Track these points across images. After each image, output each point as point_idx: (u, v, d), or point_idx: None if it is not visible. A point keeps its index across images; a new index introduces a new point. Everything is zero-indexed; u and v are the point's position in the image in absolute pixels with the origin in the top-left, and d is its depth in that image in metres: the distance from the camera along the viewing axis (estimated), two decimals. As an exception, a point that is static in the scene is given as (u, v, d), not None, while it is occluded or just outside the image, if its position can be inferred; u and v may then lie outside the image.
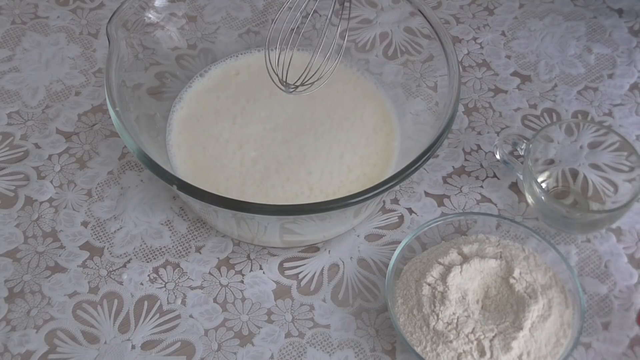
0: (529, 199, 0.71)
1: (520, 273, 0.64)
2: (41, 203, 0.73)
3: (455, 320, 0.62)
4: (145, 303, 0.67)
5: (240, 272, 0.69)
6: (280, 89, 0.67)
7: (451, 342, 0.61)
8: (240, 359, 0.65)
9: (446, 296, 0.63)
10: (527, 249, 0.67)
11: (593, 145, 0.73)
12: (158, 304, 0.67)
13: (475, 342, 0.61)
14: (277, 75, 0.67)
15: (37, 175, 0.74)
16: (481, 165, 0.76)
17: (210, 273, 0.69)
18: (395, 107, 0.74)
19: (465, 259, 0.65)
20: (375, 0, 0.75)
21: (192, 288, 0.68)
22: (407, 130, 0.74)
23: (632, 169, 0.71)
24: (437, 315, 0.62)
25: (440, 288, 0.63)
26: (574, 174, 0.74)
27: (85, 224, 0.72)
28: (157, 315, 0.67)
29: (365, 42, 0.77)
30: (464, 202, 0.73)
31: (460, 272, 0.64)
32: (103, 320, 0.66)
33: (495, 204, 0.74)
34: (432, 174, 0.75)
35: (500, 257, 0.66)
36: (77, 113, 0.79)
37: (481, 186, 0.75)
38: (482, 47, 0.85)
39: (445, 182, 0.75)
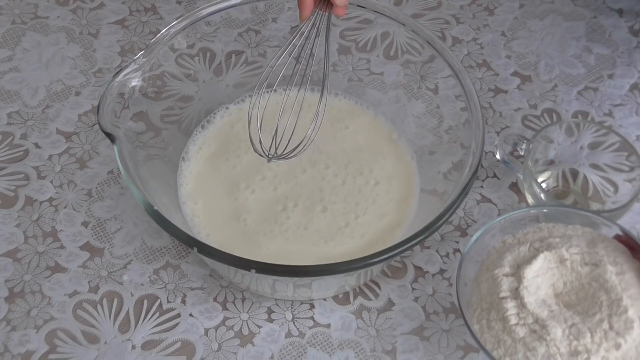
0: (529, 199, 0.71)
1: (566, 250, 0.61)
2: (41, 203, 0.73)
3: (568, 334, 0.57)
4: (145, 302, 0.67)
5: (240, 272, 0.69)
6: (261, 156, 0.66)
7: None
8: (241, 359, 0.65)
9: (545, 324, 0.57)
10: (542, 226, 0.64)
11: (593, 146, 0.73)
12: (158, 302, 0.67)
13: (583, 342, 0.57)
14: (260, 144, 0.65)
15: (37, 175, 0.74)
16: (481, 165, 0.76)
17: (210, 275, 0.69)
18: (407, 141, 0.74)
19: (516, 275, 0.60)
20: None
21: (192, 289, 0.68)
22: (410, 134, 0.74)
23: (632, 169, 0.71)
24: (545, 340, 0.57)
25: (525, 316, 0.58)
26: (574, 174, 0.74)
27: (85, 224, 0.72)
28: (157, 314, 0.67)
29: (365, 41, 0.77)
30: (464, 203, 0.73)
31: (526, 288, 0.59)
32: (103, 320, 0.66)
33: (495, 204, 0.74)
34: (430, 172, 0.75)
35: (537, 250, 0.61)
36: (77, 113, 0.79)
37: (481, 186, 0.75)
38: (482, 47, 0.85)
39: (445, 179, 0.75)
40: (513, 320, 0.58)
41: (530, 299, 0.58)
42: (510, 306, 0.59)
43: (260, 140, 0.65)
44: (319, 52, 0.65)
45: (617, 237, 0.63)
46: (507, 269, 0.61)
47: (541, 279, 0.60)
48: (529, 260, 0.60)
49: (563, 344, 0.57)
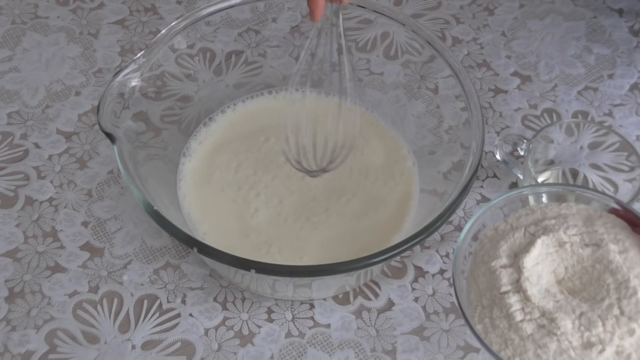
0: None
1: (564, 232, 0.57)
2: (41, 203, 0.73)
3: (578, 325, 0.53)
4: (145, 302, 0.67)
5: (240, 272, 0.69)
6: (305, 172, 0.67)
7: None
8: (241, 359, 0.65)
9: (553, 317, 0.54)
10: (534, 207, 0.61)
11: (593, 146, 0.73)
12: (158, 302, 0.67)
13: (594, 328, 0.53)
14: (299, 163, 0.67)
15: (37, 175, 0.74)
16: (481, 165, 0.76)
17: (210, 275, 0.69)
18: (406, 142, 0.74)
19: (515, 266, 0.56)
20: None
21: (192, 289, 0.68)
22: (410, 134, 0.74)
23: (632, 169, 0.71)
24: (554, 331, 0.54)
25: (531, 310, 0.54)
26: (574, 174, 0.74)
27: (85, 224, 0.72)
28: (157, 314, 0.67)
29: (365, 41, 0.77)
30: (464, 203, 0.73)
31: (528, 280, 0.55)
32: (103, 320, 0.66)
33: (496, 204, 0.74)
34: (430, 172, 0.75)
35: (532, 235, 0.57)
36: (77, 113, 0.79)
37: (481, 186, 0.75)
38: (482, 47, 0.85)
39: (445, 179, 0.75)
40: (519, 317, 0.54)
41: (533, 290, 0.54)
42: (514, 301, 0.55)
43: (293, 153, 0.66)
44: (334, 56, 0.66)
45: (614, 212, 0.59)
46: (504, 260, 0.57)
47: (541, 266, 0.56)
48: (526, 247, 0.56)
49: (575, 336, 0.53)
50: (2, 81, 0.80)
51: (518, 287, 0.55)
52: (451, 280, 0.69)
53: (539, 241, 0.56)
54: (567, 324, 0.53)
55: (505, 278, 0.56)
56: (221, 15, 0.74)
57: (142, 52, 0.67)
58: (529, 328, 0.54)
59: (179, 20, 0.70)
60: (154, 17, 0.86)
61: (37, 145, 0.76)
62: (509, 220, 0.60)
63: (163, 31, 0.69)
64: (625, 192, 0.71)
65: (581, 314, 0.54)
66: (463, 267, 0.59)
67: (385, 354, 0.65)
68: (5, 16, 0.86)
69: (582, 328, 0.53)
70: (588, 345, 0.53)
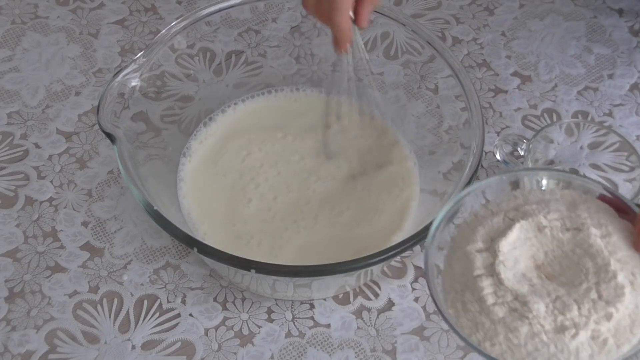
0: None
1: (544, 216, 0.55)
2: (41, 203, 0.73)
3: (552, 309, 0.51)
4: (145, 302, 0.67)
5: (240, 272, 0.69)
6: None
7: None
8: (241, 359, 0.65)
9: (525, 300, 0.51)
10: (517, 194, 0.58)
11: (593, 146, 0.73)
12: (158, 302, 0.67)
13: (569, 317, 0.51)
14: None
15: (37, 175, 0.74)
16: (481, 165, 0.76)
17: (210, 275, 0.69)
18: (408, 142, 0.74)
19: (491, 249, 0.54)
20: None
21: (192, 289, 0.68)
22: (410, 134, 0.74)
23: (632, 169, 0.71)
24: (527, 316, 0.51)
25: (504, 294, 0.52)
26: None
27: (85, 224, 0.72)
28: (157, 314, 0.67)
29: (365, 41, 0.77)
30: (464, 202, 0.73)
31: (502, 263, 0.52)
32: (103, 320, 0.66)
33: (496, 204, 0.74)
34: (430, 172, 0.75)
35: (512, 219, 0.55)
36: (77, 113, 0.79)
37: (481, 186, 0.75)
38: (482, 47, 0.85)
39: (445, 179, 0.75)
40: (490, 300, 0.52)
41: (507, 274, 0.52)
42: (486, 284, 0.52)
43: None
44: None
45: (602, 198, 0.57)
46: (480, 244, 0.54)
47: (519, 251, 0.54)
48: (503, 231, 0.54)
49: (547, 320, 0.51)
50: (2, 81, 0.80)
51: (492, 270, 0.53)
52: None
53: (517, 225, 0.54)
54: (539, 307, 0.51)
55: (480, 262, 0.53)
56: (221, 15, 0.74)
57: (142, 52, 0.67)
58: (500, 311, 0.52)
59: (179, 20, 0.70)
60: (154, 17, 0.86)
61: (37, 145, 0.76)
62: (489, 206, 0.57)
63: (163, 31, 0.69)
64: (625, 192, 0.71)
65: (556, 297, 0.51)
66: (442, 255, 0.57)
67: (385, 354, 0.65)
68: (5, 16, 0.86)
69: (556, 312, 0.51)
70: (561, 329, 0.51)
